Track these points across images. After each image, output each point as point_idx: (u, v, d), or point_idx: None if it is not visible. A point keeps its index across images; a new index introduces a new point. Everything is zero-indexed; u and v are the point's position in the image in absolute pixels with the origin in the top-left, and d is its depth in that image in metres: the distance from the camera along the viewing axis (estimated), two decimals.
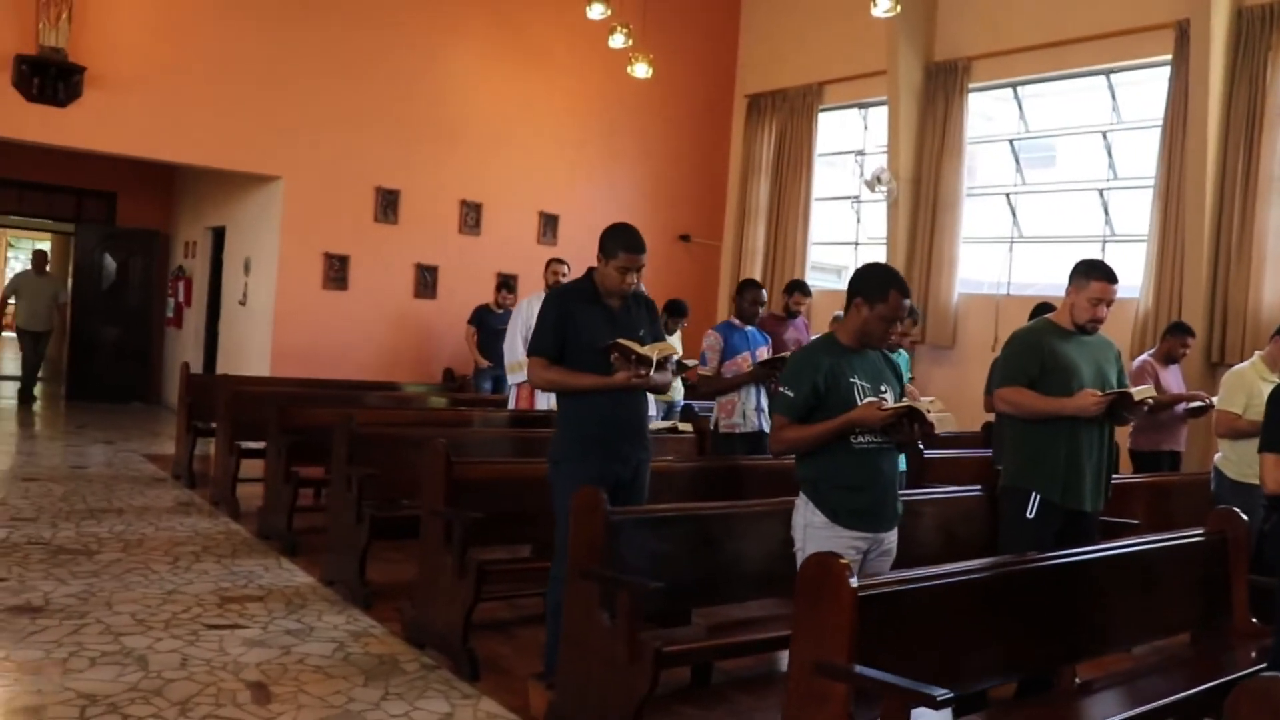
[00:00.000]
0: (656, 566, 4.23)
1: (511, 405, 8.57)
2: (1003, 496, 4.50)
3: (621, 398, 4.52)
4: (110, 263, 13.98)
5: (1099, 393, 4.24)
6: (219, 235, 12.77)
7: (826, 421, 3.66)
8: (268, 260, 11.07)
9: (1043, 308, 8.13)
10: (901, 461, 5.74)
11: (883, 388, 3.78)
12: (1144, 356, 7.81)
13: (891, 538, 3.80)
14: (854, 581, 3.03)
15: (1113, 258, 9.80)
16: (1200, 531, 4.73)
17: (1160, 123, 9.25)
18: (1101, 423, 4.40)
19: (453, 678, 4.79)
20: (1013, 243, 10.75)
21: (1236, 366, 6.34)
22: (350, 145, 10.95)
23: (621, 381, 4.44)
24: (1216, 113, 8.74)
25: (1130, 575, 4.31)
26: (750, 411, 6.46)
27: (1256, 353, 6.31)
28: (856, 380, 3.71)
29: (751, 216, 12.90)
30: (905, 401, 3.71)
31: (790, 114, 12.58)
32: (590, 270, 4.67)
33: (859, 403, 3.68)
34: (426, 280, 11.49)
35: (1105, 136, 10.00)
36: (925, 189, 10.94)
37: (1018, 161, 10.74)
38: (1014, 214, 10.77)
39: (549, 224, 12.29)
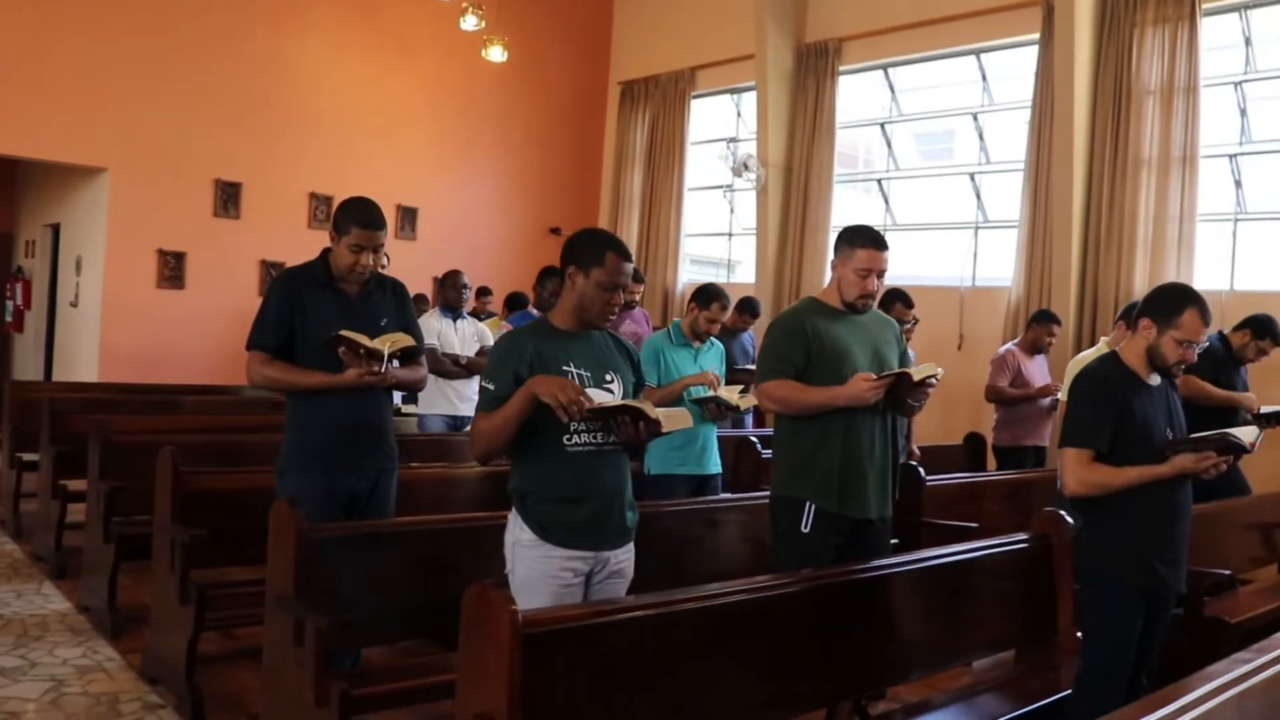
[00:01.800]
0: (376, 592, 3.64)
1: None
2: (773, 507, 3.92)
3: (357, 399, 3.91)
4: None
5: (873, 376, 3.68)
6: (57, 233, 11.91)
7: (508, 407, 3.06)
8: (97, 258, 10.27)
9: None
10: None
11: (608, 376, 3.20)
12: (1008, 346, 7.38)
13: (620, 556, 3.20)
14: (519, 614, 2.45)
15: (987, 244, 9.43)
16: (1023, 537, 4.24)
17: (1029, 104, 8.84)
18: (882, 413, 3.84)
19: (176, 719, 4.15)
20: (885, 230, 10.26)
21: (1081, 354, 5.89)
22: (185, 136, 10.20)
23: (352, 380, 3.84)
24: (1084, 93, 8.34)
25: (934, 590, 3.79)
26: None
27: (1102, 339, 5.86)
28: (571, 368, 3.12)
29: (625, 207, 12.36)
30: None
31: (663, 101, 12.06)
32: (325, 251, 4.06)
33: None
34: (273, 276, 10.74)
35: (976, 119, 9.59)
36: (796, 175, 10.46)
37: (889, 146, 10.29)
38: (886, 201, 10.32)
39: (407, 217, 11.62)
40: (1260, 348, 6.29)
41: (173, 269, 10.26)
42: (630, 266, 3.19)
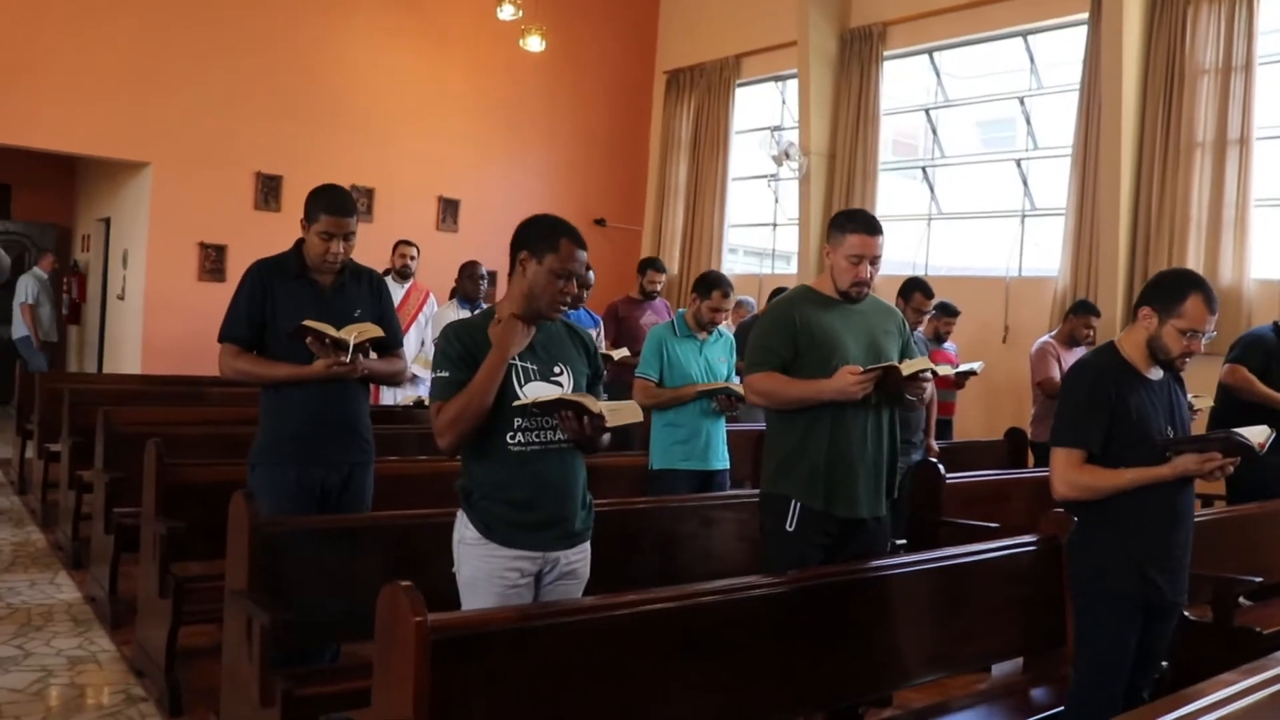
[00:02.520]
0: (340, 588, 3.53)
1: None
2: (761, 505, 3.74)
3: (328, 391, 3.81)
4: (3, 258, 13.28)
5: (859, 368, 3.48)
6: (108, 227, 12.08)
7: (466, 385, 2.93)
8: (140, 251, 10.37)
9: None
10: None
11: (557, 369, 3.04)
12: (1045, 338, 7.09)
13: (573, 557, 3.04)
14: (427, 619, 2.31)
15: (1034, 234, 9.09)
16: (1031, 539, 4.01)
17: (1078, 87, 8.49)
18: (877, 408, 3.63)
19: (155, 713, 4.10)
20: (930, 219, 9.99)
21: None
22: (226, 129, 10.23)
23: (320, 371, 3.74)
24: (1133, 73, 7.98)
25: (927, 595, 3.58)
26: None
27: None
28: (515, 360, 2.98)
29: (670, 198, 12.18)
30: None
31: (708, 89, 11.86)
32: (299, 241, 3.97)
33: (517, 388, 2.95)
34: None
35: (1023, 103, 9.24)
36: (840, 163, 10.20)
37: (935, 133, 9.98)
38: (931, 189, 10.01)
39: (449, 209, 11.57)
40: None
41: (214, 262, 10.33)
42: (584, 255, 3.04)
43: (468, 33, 11.50)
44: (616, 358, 5.68)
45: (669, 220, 12.11)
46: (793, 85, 11.23)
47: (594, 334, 5.86)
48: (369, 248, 10.87)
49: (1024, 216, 9.20)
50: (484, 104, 11.76)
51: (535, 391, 2.94)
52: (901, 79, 10.30)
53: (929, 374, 3.57)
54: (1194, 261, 7.73)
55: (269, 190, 10.55)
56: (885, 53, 9.99)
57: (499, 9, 10.03)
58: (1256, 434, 3.10)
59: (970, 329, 8.69)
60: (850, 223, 3.65)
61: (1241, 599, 5.62)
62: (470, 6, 11.28)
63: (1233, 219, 7.55)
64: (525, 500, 2.93)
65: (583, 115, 12.38)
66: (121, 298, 11.00)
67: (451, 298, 7.41)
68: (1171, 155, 7.86)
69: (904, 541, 4.93)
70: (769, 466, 3.75)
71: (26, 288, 11.63)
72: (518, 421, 2.94)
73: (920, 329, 7.55)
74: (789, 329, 3.64)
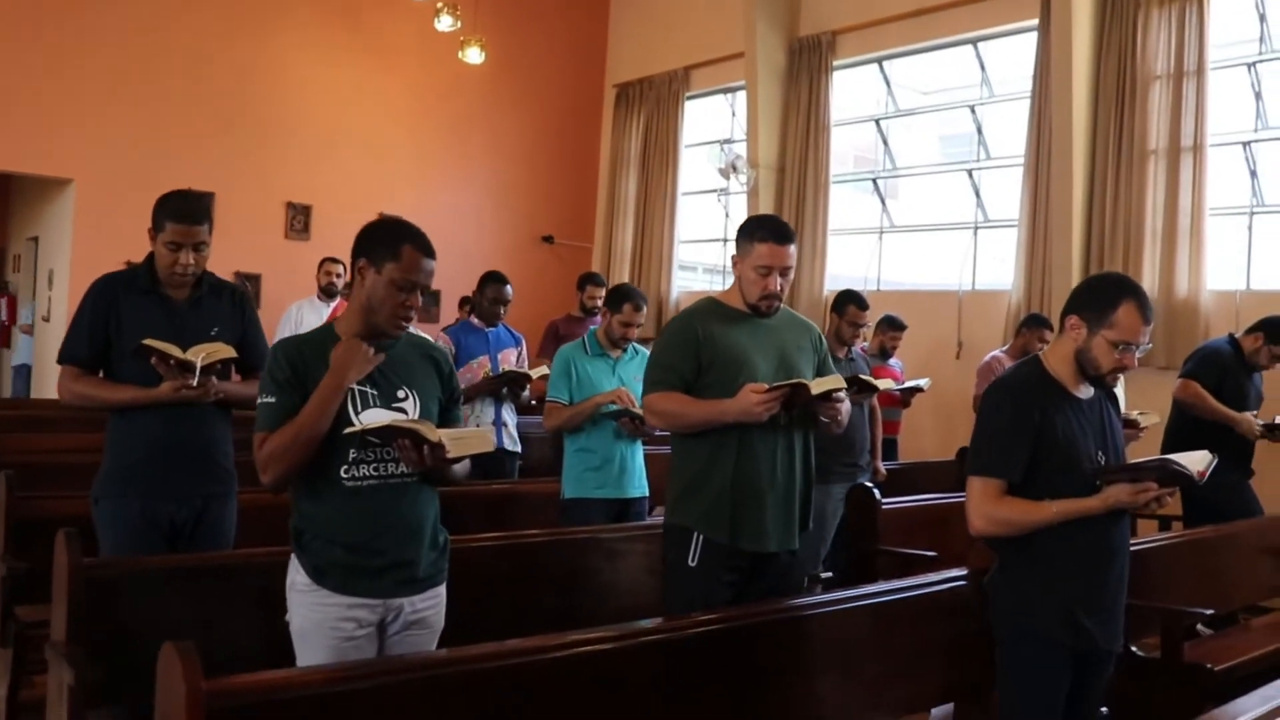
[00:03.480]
0: (184, 637, 3.14)
1: None
2: (665, 537, 3.40)
3: (176, 416, 3.42)
4: None
5: (763, 387, 3.14)
6: (37, 246, 11.64)
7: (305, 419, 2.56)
8: (65, 271, 9.94)
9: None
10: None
11: (401, 393, 2.68)
12: (995, 353, 6.78)
13: (420, 604, 2.67)
14: (200, 685, 1.94)
15: (987, 246, 8.81)
16: (959, 573, 3.66)
17: (1029, 95, 8.22)
18: (788, 431, 3.30)
19: None
20: (882, 233, 9.70)
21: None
22: (156, 145, 9.82)
23: (165, 394, 3.36)
24: (1084, 80, 7.73)
25: (851, 635, 3.22)
26: (485, 427, 5.37)
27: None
28: (354, 385, 2.62)
29: (620, 214, 11.86)
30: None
31: (657, 103, 11.56)
32: (151, 254, 3.60)
33: (352, 415, 2.59)
34: (248, 289, 10.36)
35: (974, 112, 8.97)
36: (789, 176, 9.90)
37: (886, 144, 9.69)
38: (883, 201, 9.72)
39: None
40: (1275, 354, 5.64)
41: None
42: (432, 264, 2.68)
43: (409, 46, 11.16)
44: (535, 375, 5.34)
45: (618, 236, 11.79)
46: (743, 97, 10.94)
47: (515, 354, 5.55)
48: (307, 266, 10.58)
49: (976, 229, 8.91)
50: (426, 119, 11.42)
51: (372, 419, 2.58)
52: (852, 89, 10.02)
53: (842, 394, 3.24)
54: (1149, 272, 7.46)
55: None
56: (835, 62, 9.71)
57: (436, 20, 9.71)
58: (1196, 461, 2.75)
59: (923, 344, 8.39)
60: (759, 230, 3.33)
61: (1201, 628, 5.34)
62: (412, 20, 10.94)
63: (1188, 228, 7.29)
64: (362, 541, 2.57)
65: (530, 130, 12.04)
66: (47, 319, 10.55)
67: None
68: (1125, 164, 7.60)
69: (829, 574, 4.59)
70: (671, 495, 3.42)
71: None
72: (352, 453, 2.58)
73: (863, 343, 7.25)
74: (690, 344, 3.32)
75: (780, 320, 3.43)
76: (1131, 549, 4.48)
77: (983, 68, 8.88)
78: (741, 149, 10.20)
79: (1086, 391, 2.87)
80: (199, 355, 3.33)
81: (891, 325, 7.09)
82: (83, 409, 3.68)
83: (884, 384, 6.03)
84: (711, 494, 3.25)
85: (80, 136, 9.51)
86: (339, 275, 7.44)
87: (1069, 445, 2.76)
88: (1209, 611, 3.98)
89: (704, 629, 2.89)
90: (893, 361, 7.11)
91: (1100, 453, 2.81)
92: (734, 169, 9.68)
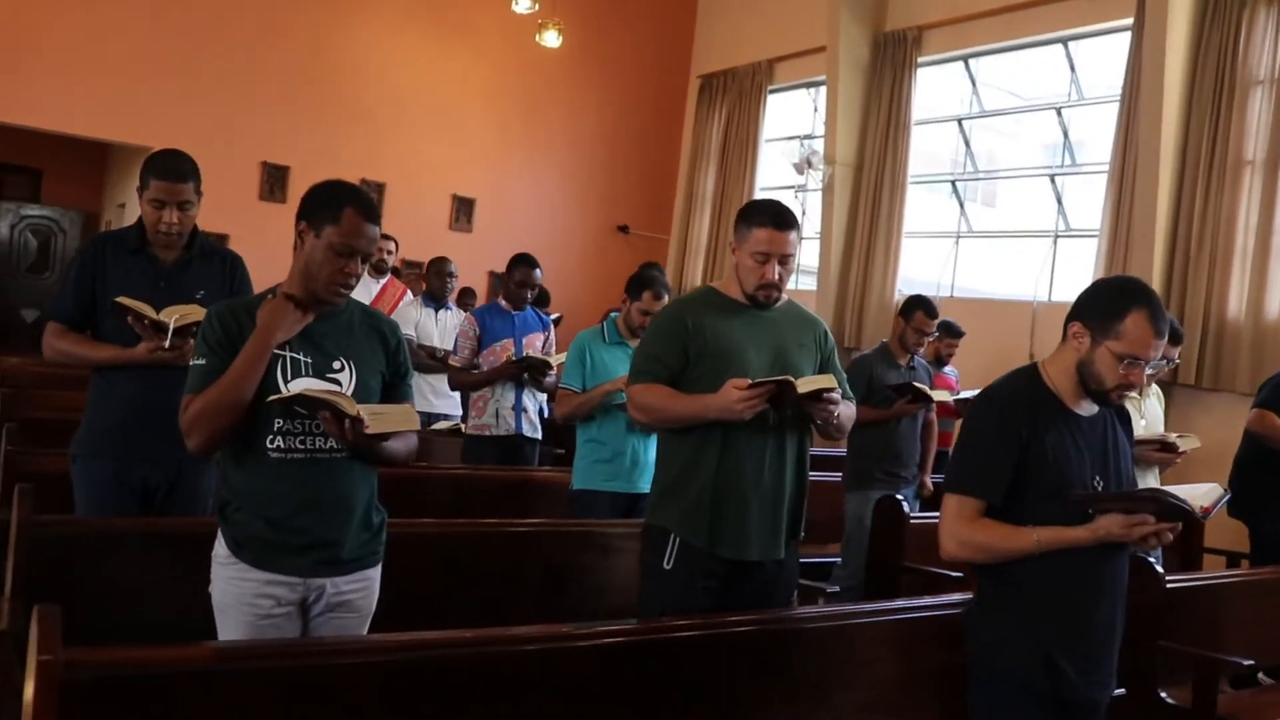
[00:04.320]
0: (128, 601, 3.06)
1: None
2: (643, 537, 3.22)
3: (157, 377, 3.34)
4: (31, 242, 13.22)
5: (747, 381, 2.93)
6: (124, 213, 11.91)
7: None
8: None
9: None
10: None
11: (337, 364, 2.55)
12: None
13: (346, 586, 2.54)
14: (57, 656, 1.82)
15: (1067, 256, 8.39)
16: (957, 599, 3.39)
17: (1118, 98, 7.78)
18: (779, 431, 3.08)
19: None
20: (959, 237, 9.31)
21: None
22: (232, 116, 9.93)
23: (142, 355, 3.29)
24: (1177, 81, 7.26)
25: (825, 658, 3.00)
26: (506, 411, 5.26)
27: None
28: (286, 351, 2.50)
29: (697, 208, 11.63)
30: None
31: (739, 96, 11.30)
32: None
33: (281, 383, 2.46)
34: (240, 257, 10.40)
35: (1060, 115, 8.54)
36: (867, 174, 9.56)
37: (968, 145, 9.31)
38: (961, 205, 9.34)
39: (463, 208, 11.16)
40: None
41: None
42: (376, 230, 2.55)
43: (488, 26, 11.09)
44: (557, 363, 5.20)
45: (695, 230, 11.57)
46: (825, 92, 10.64)
47: (542, 339, 5.41)
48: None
49: (1056, 237, 8.49)
50: (504, 101, 11.35)
51: (301, 388, 2.44)
52: (938, 88, 9.64)
53: (836, 394, 3.01)
54: (1236, 292, 7.00)
55: (275, 180, 10.25)
56: (920, 59, 9.34)
57: (514, 2, 9.61)
58: (1203, 495, 2.45)
59: (992, 355, 8.00)
60: (757, 215, 3.12)
61: (1263, 677, 4.95)
62: (499, 4, 10.89)
63: None
64: (283, 516, 2.46)
65: (610, 118, 11.89)
66: None
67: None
68: (1216, 174, 7.13)
69: (835, 589, 4.34)
70: (652, 493, 3.25)
71: None
72: (278, 423, 2.46)
73: (921, 351, 6.94)
74: (678, 335, 3.13)
75: (781, 314, 3.23)
76: (1184, 585, 4.20)
77: (1072, 68, 8.45)
78: (819, 145, 9.90)
79: (1089, 408, 2.58)
80: (172, 316, 3.25)
81: (948, 332, 6.78)
82: (66, 366, 3.64)
83: (939, 394, 5.77)
84: (691, 495, 3.07)
85: (161, 104, 9.64)
86: (390, 252, 7.39)
87: (1060, 466, 2.48)
88: (1248, 661, 3.63)
89: (654, 636, 2.70)
90: (948, 370, 6.80)
91: (1098, 478, 2.52)
92: (809, 164, 9.40)
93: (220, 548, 2.49)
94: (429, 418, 6.38)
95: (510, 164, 11.41)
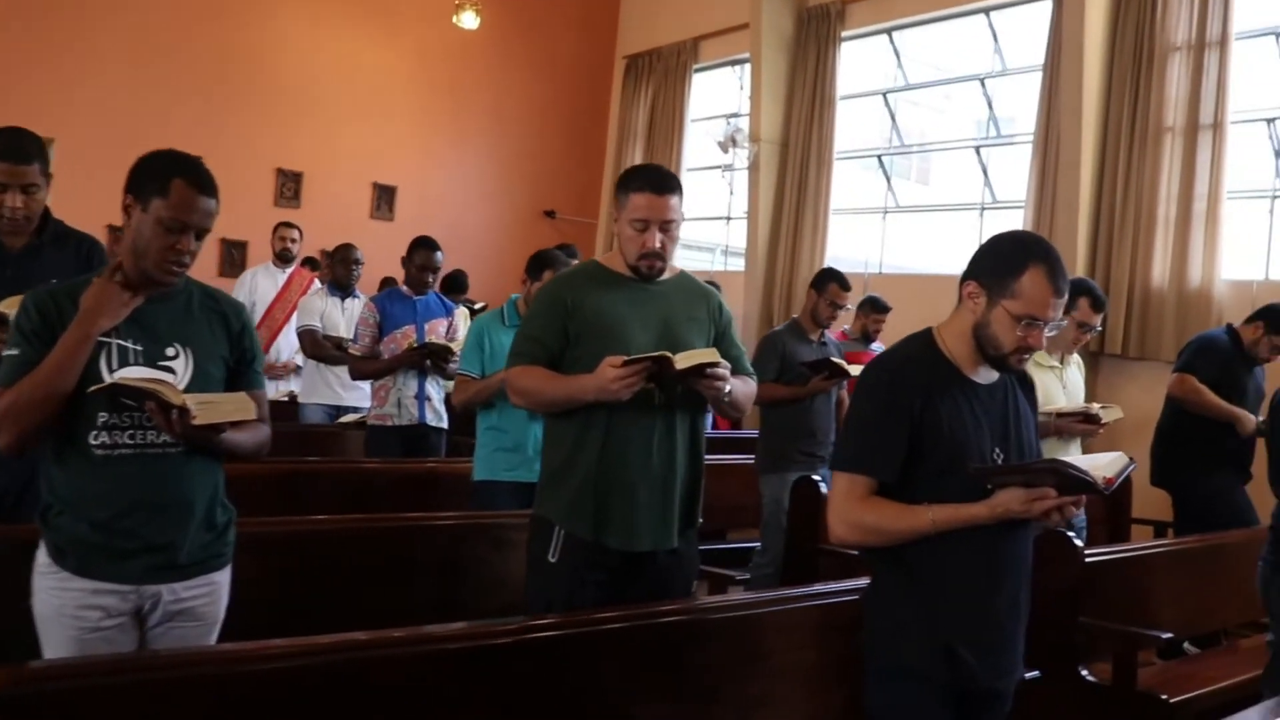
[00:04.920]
0: None
1: None
2: (529, 529, 3.02)
3: None
4: None
5: (621, 359, 2.74)
6: None
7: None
8: None
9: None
10: None
11: (171, 350, 2.33)
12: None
13: (186, 594, 2.33)
14: None
15: (993, 229, 8.28)
16: (854, 585, 3.22)
17: (1040, 67, 7.69)
18: (668, 413, 2.90)
19: None
20: (886, 213, 9.19)
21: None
22: (138, 105, 9.56)
23: None
24: (1097, 50, 7.18)
25: (721, 652, 2.81)
26: (408, 400, 5.05)
27: None
28: (113, 338, 2.28)
29: None
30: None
31: (665, 75, 11.10)
32: None
33: (105, 372, 2.24)
34: (234, 257, 10.10)
35: (984, 86, 8.44)
36: (793, 151, 9.40)
37: (893, 120, 9.19)
38: (888, 180, 9.22)
39: (384, 196, 10.85)
40: (1275, 344, 5.14)
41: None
42: (211, 203, 2.33)
43: (407, 8, 10.79)
44: (458, 348, 4.99)
45: None
46: (751, 69, 10.48)
47: (446, 324, 5.19)
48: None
49: (983, 210, 8.40)
50: (425, 86, 11.05)
51: (126, 376, 2.22)
52: (862, 63, 9.50)
53: (722, 369, 2.82)
54: (1160, 259, 6.93)
55: None
56: (843, 33, 9.19)
57: None
58: (1106, 465, 2.25)
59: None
60: (635, 180, 2.94)
61: (1189, 647, 4.87)
62: None
63: (1204, 212, 6.73)
64: (111, 518, 2.23)
65: (535, 101, 11.63)
66: None
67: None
68: (1139, 142, 7.05)
69: (746, 576, 4.17)
70: (539, 482, 3.05)
71: None
72: (102, 416, 2.24)
73: (844, 327, 6.82)
74: (557, 313, 2.94)
75: (671, 286, 3.04)
76: (1105, 558, 4.08)
77: (996, 40, 8.35)
78: (745, 123, 9.74)
79: (987, 375, 2.39)
80: (12, 308, 2.99)
81: (875, 307, 6.65)
82: None
83: (857, 369, 5.61)
84: (575, 483, 2.88)
85: (63, 95, 9.25)
86: (294, 240, 7.15)
87: (956, 439, 2.28)
88: (1167, 635, 3.51)
89: (530, 635, 2.50)
90: (875, 346, 6.67)
91: (998, 450, 2.32)
92: (734, 142, 9.23)
93: (41, 555, 2.27)
94: (338, 410, 6.15)
95: (433, 150, 11.13)
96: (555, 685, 2.50)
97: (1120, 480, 2.22)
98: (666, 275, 3.05)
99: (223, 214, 8.36)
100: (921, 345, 2.41)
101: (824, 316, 5.43)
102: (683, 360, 2.73)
